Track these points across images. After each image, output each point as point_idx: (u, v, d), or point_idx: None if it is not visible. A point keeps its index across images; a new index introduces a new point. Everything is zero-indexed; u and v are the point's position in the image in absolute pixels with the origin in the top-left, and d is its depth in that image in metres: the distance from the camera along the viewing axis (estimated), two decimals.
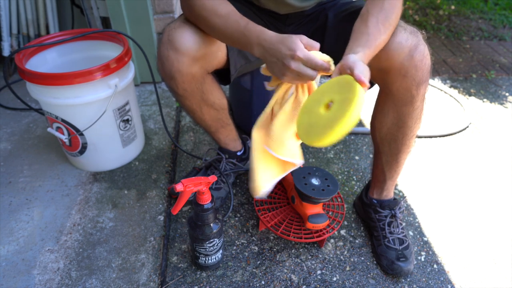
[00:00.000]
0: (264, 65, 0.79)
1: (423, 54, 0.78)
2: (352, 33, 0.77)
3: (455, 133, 1.56)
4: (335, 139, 0.63)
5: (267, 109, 0.84)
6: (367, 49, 0.72)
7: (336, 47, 0.93)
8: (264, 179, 0.86)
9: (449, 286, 0.98)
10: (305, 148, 1.43)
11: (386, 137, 0.94)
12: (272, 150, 0.83)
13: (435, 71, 2.06)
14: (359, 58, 0.68)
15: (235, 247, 1.06)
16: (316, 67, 0.70)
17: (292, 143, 0.83)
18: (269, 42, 0.73)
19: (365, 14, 0.78)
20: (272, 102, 0.83)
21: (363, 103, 0.63)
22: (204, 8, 0.81)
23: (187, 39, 0.84)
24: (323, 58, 0.71)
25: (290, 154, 0.84)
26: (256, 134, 0.85)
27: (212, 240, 0.91)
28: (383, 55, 0.78)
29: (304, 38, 0.71)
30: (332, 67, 0.71)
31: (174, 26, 0.86)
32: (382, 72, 0.82)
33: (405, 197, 1.15)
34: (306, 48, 0.70)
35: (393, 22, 0.76)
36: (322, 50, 0.94)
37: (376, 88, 0.93)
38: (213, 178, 0.85)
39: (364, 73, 0.64)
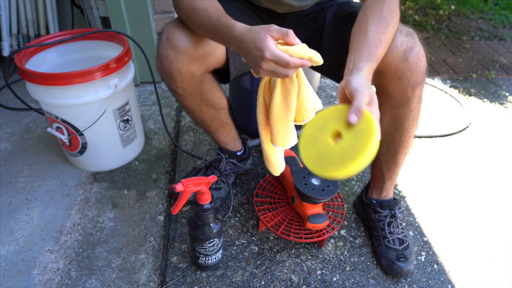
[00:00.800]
0: None
1: (418, 56, 0.78)
2: (352, 43, 0.74)
3: (455, 133, 1.56)
4: (355, 171, 0.60)
5: (259, 99, 0.84)
6: (370, 63, 0.69)
7: (334, 47, 0.93)
8: (281, 162, 0.94)
9: (449, 286, 0.98)
10: None
11: (384, 138, 0.94)
12: (278, 145, 0.85)
13: (435, 71, 2.06)
14: (364, 76, 0.66)
15: (235, 247, 1.06)
16: (288, 66, 0.67)
17: (293, 130, 0.84)
18: (238, 39, 0.71)
19: (363, 22, 0.75)
20: (260, 91, 0.83)
21: (378, 133, 0.61)
22: (185, 5, 0.81)
23: (186, 38, 0.84)
24: (301, 54, 0.67)
25: (294, 139, 0.85)
26: (262, 133, 0.87)
27: (212, 240, 0.91)
28: None
29: (275, 30, 0.67)
30: (317, 60, 0.68)
31: (173, 25, 0.86)
32: (378, 74, 0.82)
33: (405, 197, 1.15)
34: (281, 39, 0.67)
35: (393, 29, 0.75)
36: (320, 50, 0.94)
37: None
38: (213, 178, 0.85)
39: (373, 110, 0.62)
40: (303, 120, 0.83)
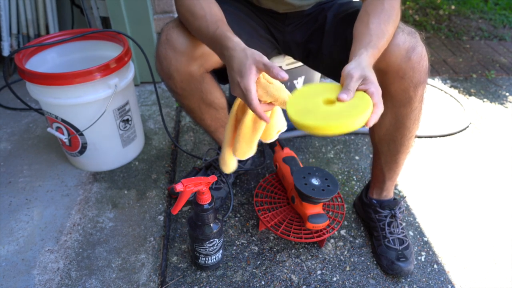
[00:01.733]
0: None
1: (421, 56, 0.78)
2: (354, 37, 0.75)
3: (455, 133, 1.56)
4: (333, 130, 0.62)
5: (232, 112, 0.84)
6: (370, 49, 0.70)
7: (334, 47, 0.93)
8: (234, 164, 0.93)
9: (449, 286, 0.98)
10: (305, 148, 1.43)
11: (385, 138, 0.94)
12: (237, 157, 0.87)
13: (435, 71, 2.06)
14: (361, 60, 0.67)
15: (235, 247, 1.06)
16: (250, 105, 0.68)
17: (255, 145, 0.86)
18: (228, 56, 0.72)
19: (365, 16, 0.76)
20: (235, 106, 0.83)
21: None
22: (184, 9, 0.81)
23: (185, 38, 0.84)
24: (277, 94, 0.70)
25: (253, 152, 0.87)
26: (227, 139, 0.88)
27: (212, 240, 0.91)
28: (380, 57, 0.77)
29: (262, 63, 0.67)
30: (285, 105, 0.69)
31: (172, 25, 0.86)
32: (380, 73, 0.82)
33: (405, 197, 1.15)
34: (265, 73, 0.68)
35: (394, 22, 0.76)
36: (321, 50, 0.94)
37: None
38: (213, 178, 0.85)
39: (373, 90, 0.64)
40: (266, 140, 0.86)
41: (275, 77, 0.67)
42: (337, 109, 0.64)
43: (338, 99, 0.64)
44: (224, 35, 0.74)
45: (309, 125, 0.63)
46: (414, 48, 0.78)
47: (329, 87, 0.70)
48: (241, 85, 0.68)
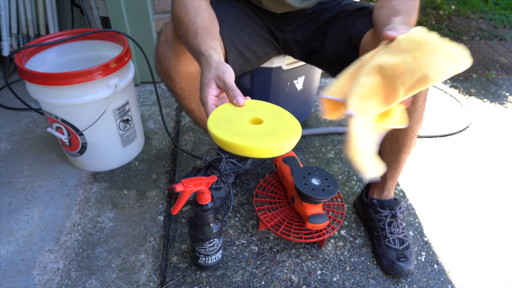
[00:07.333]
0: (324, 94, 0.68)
1: None
2: (377, 24, 0.74)
3: (455, 133, 1.56)
4: (282, 149, 0.57)
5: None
6: (404, 17, 0.69)
7: (339, 42, 0.93)
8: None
9: (450, 287, 0.98)
10: (305, 148, 1.43)
11: (387, 137, 0.94)
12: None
13: None
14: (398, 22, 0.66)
15: (235, 247, 1.05)
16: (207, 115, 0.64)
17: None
18: (201, 67, 0.70)
19: (384, 3, 0.76)
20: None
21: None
22: (174, 15, 0.81)
23: None
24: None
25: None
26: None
27: (212, 240, 0.91)
28: None
29: (222, 80, 0.64)
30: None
31: (171, 25, 0.86)
32: None
33: (406, 197, 1.15)
34: (222, 89, 0.65)
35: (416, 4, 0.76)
36: (324, 47, 0.93)
37: None
38: (213, 178, 0.85)
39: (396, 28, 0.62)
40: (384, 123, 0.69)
41: (231, 100, 0.64)
42: (265, 129, 0.59)
43: (384, 36, 0.59)
44: (199, 48, 0.72)
45: (234, 145, 0.57)
46: None
47: (255, 105, 0.66)
48: (200, 99, 0.66)
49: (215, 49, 0.72)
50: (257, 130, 0.60)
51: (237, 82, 1.36)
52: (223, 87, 0.65)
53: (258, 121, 0.63)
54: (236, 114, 0.63)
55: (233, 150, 0.58)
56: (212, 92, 0.65)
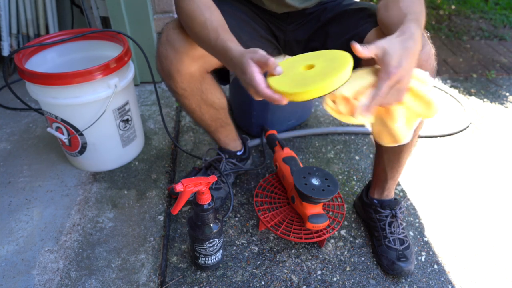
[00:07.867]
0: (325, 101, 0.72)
1: (429, 54, 0.78)
2: (390, 27, 0.74)
3: (455, 133, 1.56)
4: (331, 86, 0.62)
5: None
6: (412, 15, 0.69)
7: (341, 40, 0.92)
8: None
9: (450, 287, 0.98)
10: (305, 148, 1.43)
11: None
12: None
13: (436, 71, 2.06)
14: (407, 26, 0.66)
15: (235, 247, 1.05)
16: (258, 91, 0.65)
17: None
18: (232, 64, 0.71)
19: (390, 4, 0.76)
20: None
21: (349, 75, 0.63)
22: (184, 14, 0.80)
23: (185, 39, 0.84)
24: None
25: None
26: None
27: (212, 240, 0.91)
28: None
29: (256, 56, 0.66)
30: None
31: (173, 25, 0.86)
32: None
33: (406, 197, 1.15)
34: (262, 66, 0.66)
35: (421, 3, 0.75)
36: (325, 46, 0.93)
37: None
38: (213, 178, 0.85)
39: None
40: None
41: (271, 70, 0.67)
42: (321, 66, 0.65)
43: (353, 47, 0.62)
44: (225, 46, 0.73)
45: (285, 92, 0.63)
46: (423, 46, 0.77)
47: (313, 54, 0.71)
48: (247, 80, 0.66)
49: (239, 45, 0.73)
50: (307, 74, 0.66)
51: (237, 82, 1.37)
52: (262, 60, 0.65)
53: (310, 67, 0.68)
54: (291, 66, 0.69)
55: (293, 97, 0.63)
56: (256, 68, 0.66)
